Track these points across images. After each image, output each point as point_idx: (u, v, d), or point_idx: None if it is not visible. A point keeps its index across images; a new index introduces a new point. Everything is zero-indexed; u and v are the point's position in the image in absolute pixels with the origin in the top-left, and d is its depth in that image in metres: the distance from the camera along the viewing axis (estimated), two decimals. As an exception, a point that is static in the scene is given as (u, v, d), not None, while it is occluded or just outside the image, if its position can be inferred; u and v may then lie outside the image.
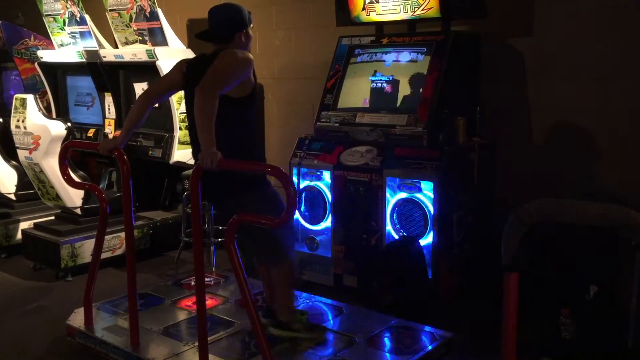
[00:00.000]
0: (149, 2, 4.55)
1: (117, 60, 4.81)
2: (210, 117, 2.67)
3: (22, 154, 4.56)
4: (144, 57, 4.56)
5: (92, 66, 5.02)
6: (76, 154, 5.11)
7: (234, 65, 2.84)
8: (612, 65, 3.58)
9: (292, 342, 3.11)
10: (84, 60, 5.06)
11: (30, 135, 4.43)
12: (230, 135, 2.78)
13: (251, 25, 3.05)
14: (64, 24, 5.25)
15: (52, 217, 4.86)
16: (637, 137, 3.53)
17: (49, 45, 5.56)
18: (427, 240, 3.56)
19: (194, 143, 3.05)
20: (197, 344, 2.93)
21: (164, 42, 4.63)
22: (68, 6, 5.10)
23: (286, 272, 3.14)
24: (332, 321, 3.42)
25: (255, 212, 2.71)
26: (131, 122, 3.14)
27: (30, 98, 4.50)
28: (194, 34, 3.31)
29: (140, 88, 4.83)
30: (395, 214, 3.66)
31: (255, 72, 2.95)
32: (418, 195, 3.55)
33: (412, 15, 3.86)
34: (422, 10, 3.80)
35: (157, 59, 4.46)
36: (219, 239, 4.34)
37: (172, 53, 4.47)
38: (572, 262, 3.53)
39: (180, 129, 4.58)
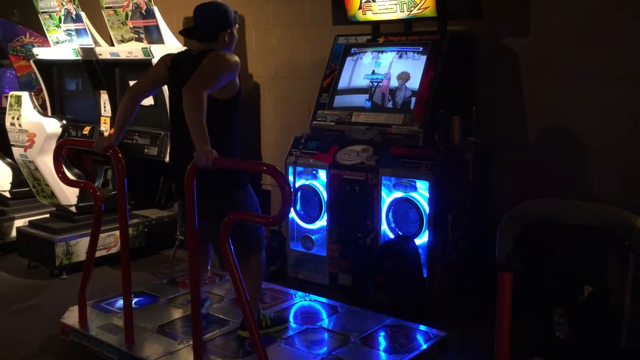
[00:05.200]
0: (145, 0, 4.54)
1: (113, 58, 4.80)
2: (200, 115, 2.68)
3: (17, 151, 4.54)
4: (139, 55, 4.55)
5: (88, 64, 5.01)
6: (71, 151, 5.09)
7: (222, 68, 2.86)
8: (609, 65, 3.59)
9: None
10: (79, 57, 5.05)
11: (26, 133, 4.42)
12: (212, 136, 2.72)
13: (236, 26, 3.06)
14: (60, 22, 5.23)
15: (47, 215, 4.85)
16: (633, 138, 3.54)
17: (45, 42, 5.55)
18: (422, 239, 3.57)
19: (175, 139, 3.08)
20: (191, 342, 2.93)
21: (160, 40, 4.62)
22: (64, 3, 5.08)
23: (254, 267, 3.11)
24: (327, 320, 3.42)
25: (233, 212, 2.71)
26: (122, 121, 3.13)
27: (25, 95, 4.49)
28: (178, 31, 3.32)
29: (132, 85, 4.82)
30: (390, 213, 3.66)
31: (243, 72, 2.96)
32: (413, 194, 3.56)
33: (408, 14, 3.86)
34: (419, 9, 3.80)
35: (153, 57, 4.45)
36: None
37: (168, 51, 4.40)
38: (566, 262, 3.54)
39: (176, 127, 4.57)
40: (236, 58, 2.93)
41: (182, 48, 4.64)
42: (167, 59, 3.11)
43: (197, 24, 2.99)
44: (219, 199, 2.96)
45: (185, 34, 3.07)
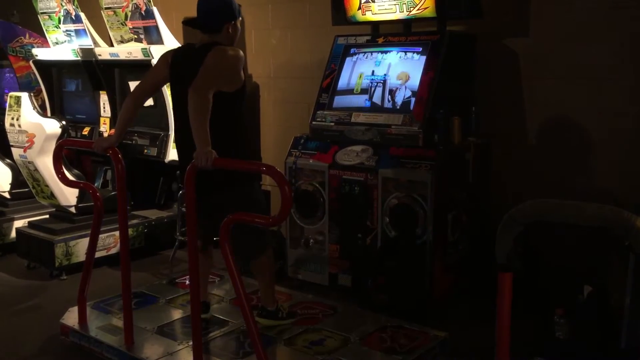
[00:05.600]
0: (145, 1, 4.54)
1: (113, 58, 4.80)
2: (204, 117, 2.68)
3: (16, 152, 4.54)
4: (139, 56, 4.56)
5: (87, 64, 5.01)
6: (71, 152, 5.09)
7: (225, 64, 2.87)
8: (608, 65, 3.59)
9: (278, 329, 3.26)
10: (79, 58, 5.05)
11: (25, 134, 4.42)
12: (217, 130, 2.74)
13: (240, 19, 3.06)
14: (59, 22, 5.23)
15: (47, 216, 4.85)
16: (633, 138, 3.54)
17: (44, 43, 5.55)
18: (421, 239, 3.56)
19: (180, 136, 3.08)
20: (191, 343, 2.93)
21: (159, 41, 4.62)
22: (63, 4, 5.08)
23: (266, 263, 3.23)
24: (326, 320, 3.42)
25: (236, 211, 2.70)
26: (123, 123, 3.15)
27: (24, 96, 4.48)
28: (182, 21, 3.31)
29: (135, 86, 4.83)
30: (390, 214, 3.65)
31: (244, 69, 2.98)
32: (413, 194, 3.55)
33: (407, 14, 3.86)
34: (418, 10, 3.80)
35: (153, 58, 4.45)
36: (214, 238, 4.33)
37: (168, 52, 4.45)
38: (566, 262, 3.54)
39: (176, 127, 4.58)
40: (240, 52, 2.95)
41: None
42: (168, 55, 3.12)
43: (201, 16, 2.99)
44: (235, 190, 2.98)
45: (189, 23, 3.07)
